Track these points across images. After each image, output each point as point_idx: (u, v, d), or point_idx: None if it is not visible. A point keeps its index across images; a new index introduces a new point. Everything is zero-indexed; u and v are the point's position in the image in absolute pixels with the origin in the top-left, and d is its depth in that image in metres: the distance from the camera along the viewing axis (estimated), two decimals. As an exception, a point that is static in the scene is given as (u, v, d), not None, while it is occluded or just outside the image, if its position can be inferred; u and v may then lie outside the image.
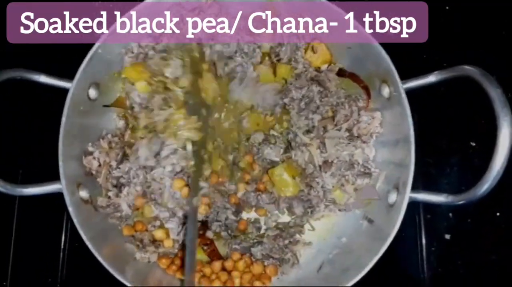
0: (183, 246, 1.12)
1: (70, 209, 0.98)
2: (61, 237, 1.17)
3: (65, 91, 1.01)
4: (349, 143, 1.10)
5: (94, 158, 1.10)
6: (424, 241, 1.18)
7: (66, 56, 1.09)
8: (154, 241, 1.11)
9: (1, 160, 0.98)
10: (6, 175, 0.97)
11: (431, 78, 0.98)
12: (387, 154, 1.11)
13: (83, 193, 1.05)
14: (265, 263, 1.13)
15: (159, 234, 1.10)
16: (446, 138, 1.24)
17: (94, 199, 1.09)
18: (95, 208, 1.08)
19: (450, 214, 1.20)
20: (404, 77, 1.01)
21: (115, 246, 1.08)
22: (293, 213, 1.15)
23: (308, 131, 1.13)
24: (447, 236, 1.20)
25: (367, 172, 1.11)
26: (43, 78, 1.01)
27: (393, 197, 1.04)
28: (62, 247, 1.17)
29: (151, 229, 1.11)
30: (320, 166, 1.10)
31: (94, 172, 1.11)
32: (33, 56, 1.17)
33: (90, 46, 1.03)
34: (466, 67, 0.92)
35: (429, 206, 1.19)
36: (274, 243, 1.12)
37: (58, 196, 0.99)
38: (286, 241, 1.13)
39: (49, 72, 1.01)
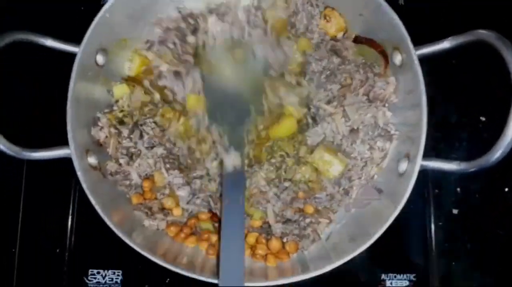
0: (191, 215, 1.12)
1: (79, 173, 0.97)
2: (69, 204, 1.16)
3: (72, 55, 1.00)
4: (370, 106, 1.09)
5: (101, 129, 1.09)
6: (432, 216, 1.17)
7: (74, 20, 1.07)
8: (163, 209, 1.10)
9: (8, 125, 0.97)
10: (13, 140, 0.96)
11: (445, 44, 0.96)
12: (398, 121, 1.09)
13: (92, 159, 1.05)
14: (284, 240, 1.10)
15: (168, 202, 1.09)
16: (456, 109, 1.23)
17: (103, 165, 1.08)
18: (103, 174, 1.08)
19: (458, 189, 1.20)
20: (416, 43, 0.99)
21: (124, 212, 1.08)
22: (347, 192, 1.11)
23: (329, 102, 1.11)
24: (455, 211, 1.19)
25: (389, 134, 1.09)
26: (50, 42, 1.00)
27: (403, 166, 1.02)
28: (70, 213, 1.16)
29: (160, 197, 1.11)
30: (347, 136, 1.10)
31: (102, 143, 1.10)
32: (40, 20, 1.16)
33: (97, 10, 1.02)
34: (481, 31, 0.90)
35: (437, 181, 1.18)
36: (297, 223, 1.11)
37: (66, 162, 0.98)
38: (308, 220, 1.11)
39: (56, 35, 1.00)
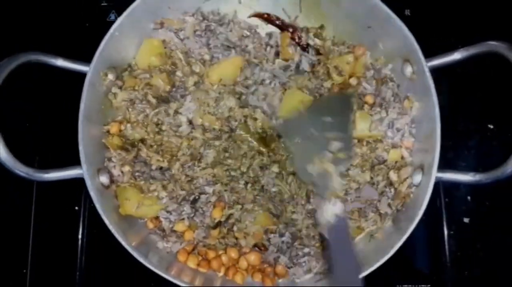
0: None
1: (92, 194, 0.97)
2: (79, 224, 1.16)
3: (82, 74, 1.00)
4: None
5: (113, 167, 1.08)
6: (444, 224, 1.16)
7: (83, 39, 1.07)
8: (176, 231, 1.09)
9: (19, 146, 0.96)
10: (24, 161, 0.95)
11: (456, 55, 0.97)
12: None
13: (104, 178, 1.04)
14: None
15: (179, 226, 1.08)
16: (465, 119, 1.23)
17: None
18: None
19: (469, 198, 1.19)
20: (426, 55, 0.99)
21: (137, 232, 1.07)
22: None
23: None
24: (466, 220, 1.18)
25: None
26: (60, 62, 1.00)
27: (417, 178, 1.02)
28: (80, 233, 1.16)
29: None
30: None
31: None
32: (51, 39, 1.16)
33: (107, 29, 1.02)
34: (493, 42, 0.91)
35: (448, 190, 1.17)
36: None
37: (74, 183, 0.98)
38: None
39: (66, 54, 1.00)
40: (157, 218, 1.08)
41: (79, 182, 0.98)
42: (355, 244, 1.08)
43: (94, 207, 0.97)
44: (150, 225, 1.09)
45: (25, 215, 1.16)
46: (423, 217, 1.05)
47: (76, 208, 1.16)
